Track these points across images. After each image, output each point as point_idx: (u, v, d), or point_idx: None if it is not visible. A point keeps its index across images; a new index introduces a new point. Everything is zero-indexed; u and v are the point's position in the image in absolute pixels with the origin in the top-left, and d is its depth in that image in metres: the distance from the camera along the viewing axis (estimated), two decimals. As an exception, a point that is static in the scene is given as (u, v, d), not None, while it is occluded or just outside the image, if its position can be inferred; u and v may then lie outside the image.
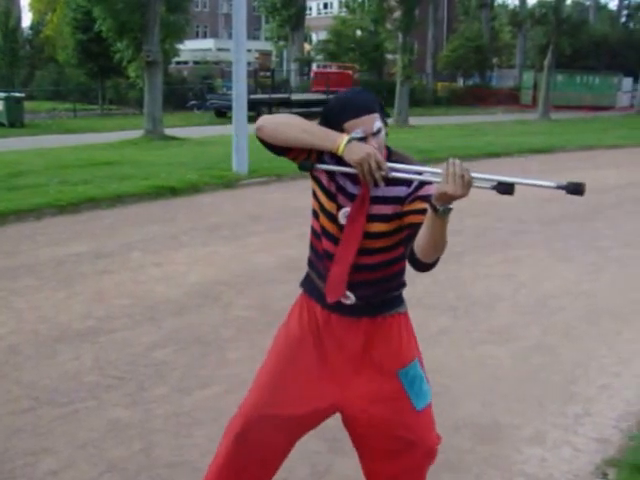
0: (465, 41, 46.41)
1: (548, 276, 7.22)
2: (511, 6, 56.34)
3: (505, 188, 2.36)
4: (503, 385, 4.37)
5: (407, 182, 2.59)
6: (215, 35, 66.53)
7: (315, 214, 2.87)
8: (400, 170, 2.54)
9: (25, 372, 4.68)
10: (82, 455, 3.69)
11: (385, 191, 2.61)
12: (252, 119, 24.58)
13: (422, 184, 2.57)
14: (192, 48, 44.82)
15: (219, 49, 51.31)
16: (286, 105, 33.71)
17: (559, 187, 2.31)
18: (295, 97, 34.59)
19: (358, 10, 47.56)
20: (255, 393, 2.86)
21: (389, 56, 46.14)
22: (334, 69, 41.10)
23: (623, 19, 72.42)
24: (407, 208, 2.59)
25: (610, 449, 3.90)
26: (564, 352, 5.26)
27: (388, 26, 37.76)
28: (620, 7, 71.85)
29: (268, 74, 37.28)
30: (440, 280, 6.69)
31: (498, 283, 6.87)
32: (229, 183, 12.23)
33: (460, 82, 50.75)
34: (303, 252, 8.04)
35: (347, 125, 2.54)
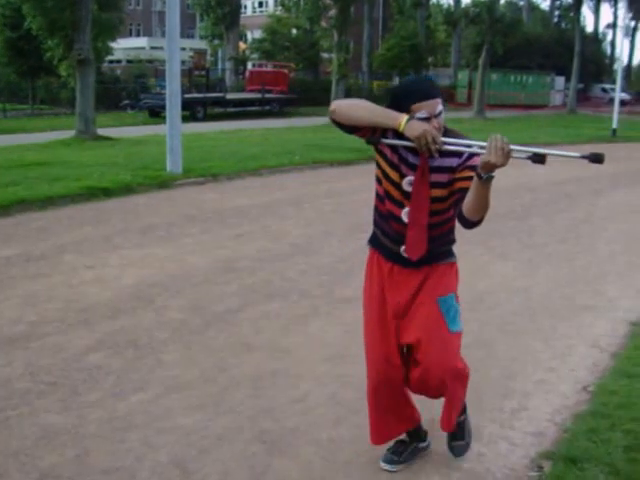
0: (400, 40, 46.57)
1: (484, 273, 7.31)
2: (446, 5, 56.91)
3: (538, 158, 2.82)
4: (440, 382, 4.40)
5: (458, 154, 3.10)
6: (149, 33, 65.75)
7: (378, 180, 3.34)
8: (452, 144, 3.06)
9: (-48, 380, 4.54)
10: (14, 464, 3.61)
11: (440, 162, 3.13)
12: (186, 119, 24.18)
13: (471, 156, 3.08)
14: (125, 46, 44.15)
15: (153, 47, 50.69)
16: (221, 104, 33.50)
17: (583, 157, 2.78)
18: (230, 96, 34.40)
19: (293, 8, 47.51)
20: (366, 351, 3.57)
21: (325, 55, 46.26)
22: (270, 68, 40.96)
23: (555, 19, 74.04)
24: (458, 175, 3.10)
25: (545, 442, 3.97)
26: (501, 348, 5.33)
27: (323, 24, 37.85)
28: (552, 7, 73.44)
29: (203, 73, 37.01)
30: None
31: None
32: (163, 183, 12.08)
33: (396, 81, 51.08)
34: (238, 252, 8.02)
35: (414, 107, 3.05)
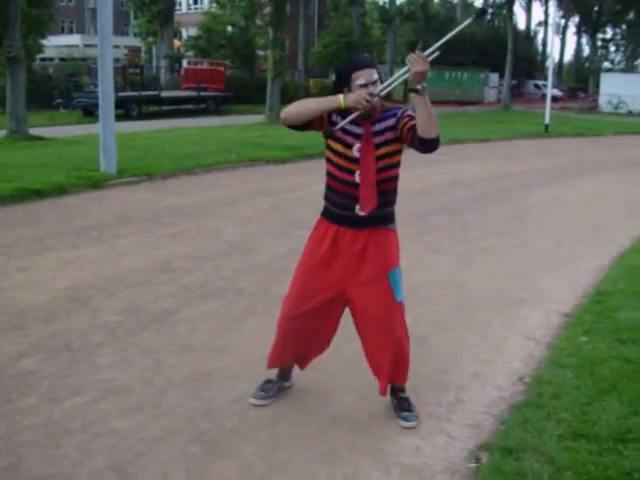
0: (336, 37, 46.84)
1: (419, 268, 7.34)
2: (381, 3, 57.29)
3: (444, 47, 3.53)
4: (378, 377, 4.42)
5: (394, 114, 3.73)
6: (82, 31, 64.59)
7: (329, 160, 3.87)
8: (386, 87, 3.64)
9: None
10: (-57, 475, 3.50)
11: (381, 125, 3.73)
12: (120, 117, 23.76)
13: (403, 112, 3.71)
14: (57, 44, 43.38)
15: (86, 45, 49.79)
16: (156, 103, 33.14)
17: (470, 21, 3.95)
18: (165, 94, 34.09)
19: (228, 6, 47.27)
20: (290, 296, 4.05)
21: (260, 52, 46.16)
22: (205, 65, 40.65)
23: (488, 17, 75.17)
24: (401, 125, 3.68)
25: (483, 434, 4.02)
26: (436, 342, 5.38)
27: (258, 22, 37.79)
28: (485, 5, 74.54)
29: (137, 71, 36.56)
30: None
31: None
32: (97, 184, 11.85)
33: (332, 78, 51.27)
34: (174, 252, 7.93)
35: (354, 75, 3.64)
